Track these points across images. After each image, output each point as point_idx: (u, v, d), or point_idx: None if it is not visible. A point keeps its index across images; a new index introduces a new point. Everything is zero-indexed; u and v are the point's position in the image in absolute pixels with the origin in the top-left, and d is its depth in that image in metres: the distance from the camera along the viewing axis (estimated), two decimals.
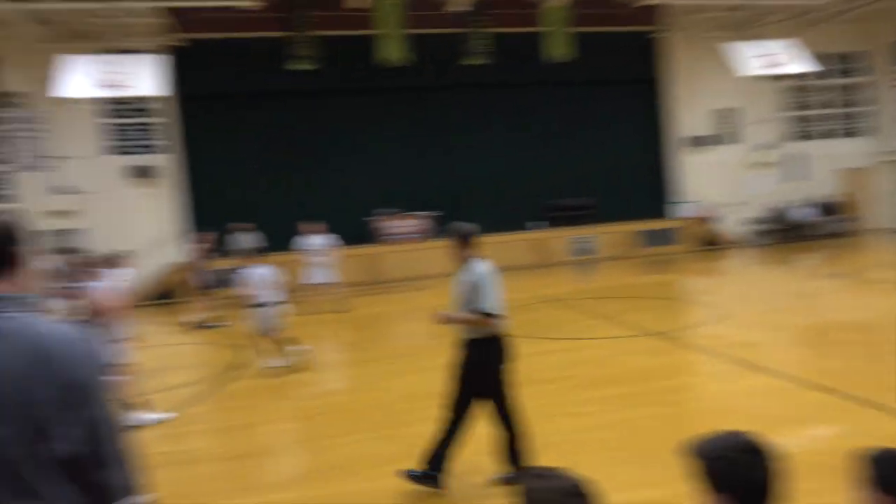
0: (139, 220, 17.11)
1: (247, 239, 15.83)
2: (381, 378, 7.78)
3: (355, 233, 18.69)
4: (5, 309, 1.75)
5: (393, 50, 16.74)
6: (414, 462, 4.49)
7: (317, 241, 12.98)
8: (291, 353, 8.41)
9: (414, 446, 4.65)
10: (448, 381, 4.56)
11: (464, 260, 4.50)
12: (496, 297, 4.41)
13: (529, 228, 19.38)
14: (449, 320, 4.52)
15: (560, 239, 19.18)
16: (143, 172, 17.27)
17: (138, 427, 6.14)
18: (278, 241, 16.39)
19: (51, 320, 1.82)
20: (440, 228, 18.59)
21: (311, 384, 7.91)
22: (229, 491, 4.90)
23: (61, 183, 16.94)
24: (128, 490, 1.82)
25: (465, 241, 4.51)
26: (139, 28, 16.39)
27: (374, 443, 5.55)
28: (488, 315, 4.35)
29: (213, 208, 18.24)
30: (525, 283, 15.55)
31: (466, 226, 4.57)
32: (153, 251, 16.59)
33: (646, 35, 20.42)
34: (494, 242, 18.99)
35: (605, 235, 19.45)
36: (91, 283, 6.50)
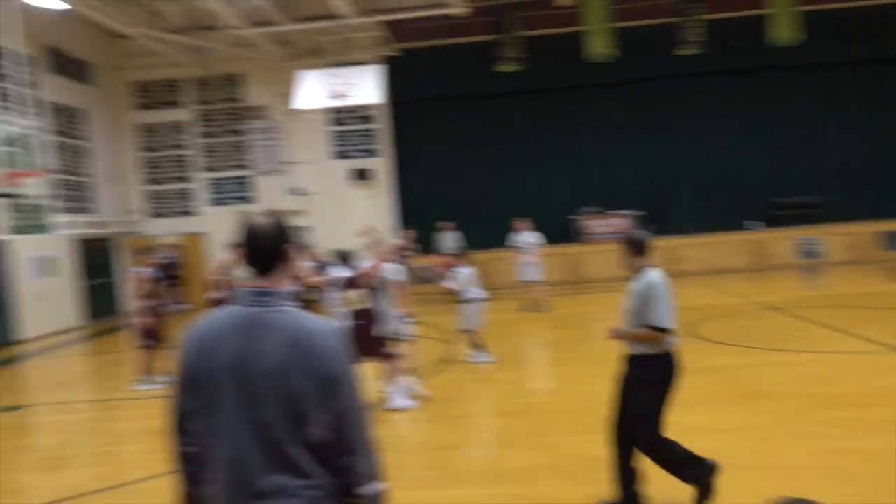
0: (357, 219, 18.53)
1: (450, 237, 16.52)
2: (585, 379, 7.70)
3: (558, 231, 18.67)
4: (274, 303, 1.98)
5: (600, 45, 16.45)
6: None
7: (528, 238, 13.11)
8: (486, 350, 8.74)
9: None
10: (612, 400, 4.31)
11: (636, 269, 4.17)
12: (668, 310, 4.03)
13: (748, 228, 17.99)
14: (622, 336, 4.18)
15: (782, 240, 17.57)
16: (361, 175, 18.70)
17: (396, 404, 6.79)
18: (483, 239, 16.91)
19: (309, 315, 2.01)
20: (645, 228, 17.96)
21: (516, 381, 8.05)
22: (433, 480, 5.14)
23: (294, 185, 18.92)
24: (372, 476, 1.97)
25: (637, 248, 4.17)
26: (360, 42, 17.78)
27: (582, 445, 5.51)
28: (660, 330, 4.00)
29: (423, 207, 19.29)
30: (740, 287, 14.48)
31: (639, 232, 4.29)
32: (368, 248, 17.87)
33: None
34: (705, 243, 18.06)
35: (836, 237, 17.45)
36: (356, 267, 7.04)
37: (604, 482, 4.37)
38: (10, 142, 11.85)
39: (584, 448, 5.38)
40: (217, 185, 19.27)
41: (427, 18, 16.69)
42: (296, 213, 18.66)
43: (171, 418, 2.02)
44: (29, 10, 12.74)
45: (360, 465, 1.93)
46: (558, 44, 18.24)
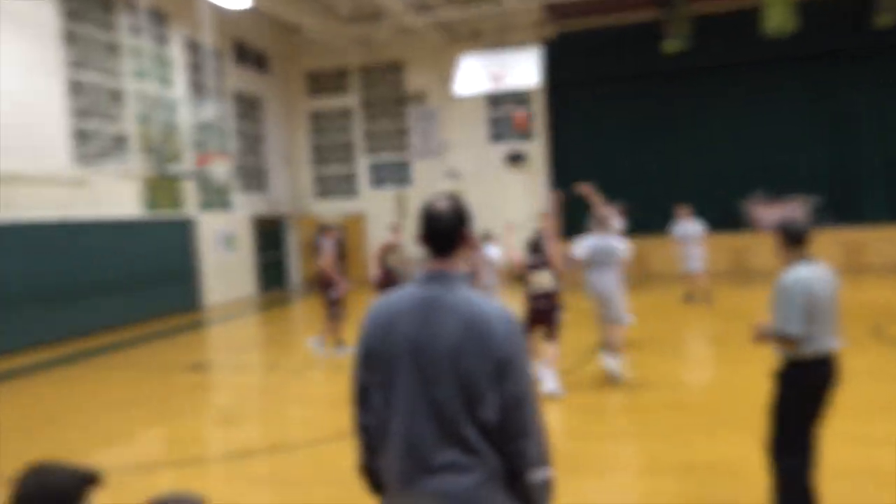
0: (512, 202, 18.57)
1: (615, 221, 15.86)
2: (753, 377, 7.16)
3: (723, 218, 17.59)
4: (450, 285, 2.00)
5: (780, 18, 15.10)
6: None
7: (690, 226, 12.45)
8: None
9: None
10: (767, 418, 3.83)
11: (787, 262, 3.64)
12: (794, 314, 3.47)
13: None
14: (762, 336, 3.69)
15: None
16: (516, 158, 18.65)
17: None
18: (641, 224, 16.27)
19: (484, 298, 2.02)
20: (824, 216, 16.42)
21: (680, 374, 7.67)
22: (581, 470, 5.01)
23: (450, 168, 19.29)
24: (541, 461, 1.95)
25: (792, 239, 3.62)
26: (519, 24, 17.67)
27: (730, 446, 5.13)
28: (785, 336, 3.50)
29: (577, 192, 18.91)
30: None
31: (798, 221, 3.71)
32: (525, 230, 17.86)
33: None
34: None
35: None
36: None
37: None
38: (202, 127, 13.07)
39: (732, 449, 5.01)
40: (377, 168, 20.09)
41: None
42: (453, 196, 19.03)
43: (352, 391, 2.13)
44: (218, 8, 13.92)
45: (528, 450, 1.93)
46: (726, 19, 17.01)
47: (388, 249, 11.44)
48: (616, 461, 5.20)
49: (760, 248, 16.19)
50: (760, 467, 4.11)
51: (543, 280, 6.86)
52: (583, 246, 7.37)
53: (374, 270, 12.43)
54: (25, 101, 11.49)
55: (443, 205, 2.07)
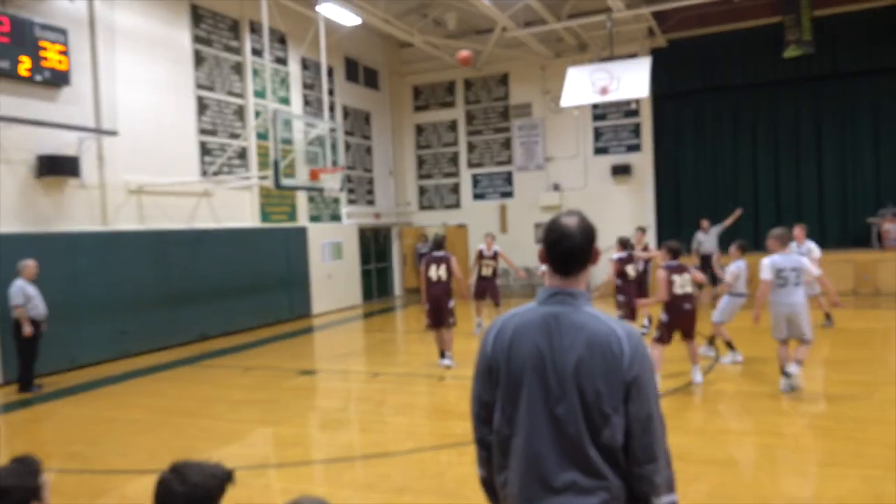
0: (617, 215, 18.16)
1: (711, 236, 15.37)
2: (885, 407, 6.65)
3: (850, 235, 16.52)
4: (575, 303, 1.99)
5: None
6: None
7: (808, 248, 10.95)
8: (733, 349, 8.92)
9: None
10: None
11: None
12: None
13: None
14: None
15: None
16: (622, 170, 18.26)
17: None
18: (752, 239, 15.49)
19: (609, 316, 1.99)
20: None
21: (791, 401, 7.23)
22: (695, 495, 4.82)
23: (553, 181, 19.14)
24: (666, 488, 1.90)
25: None
26: (626, 35, 17.34)
27: (880, 483, 4.77)
28: None
29: (686, 203, 18.30)
30: None
31: None
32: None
33: None
34: None
35: None
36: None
37: None
38: (313, 142, 13.68)
39: (872, 486, 4.66)
40: (479, 179, 20.24)
41: (697, 6, 15.67)
42: (552, 208, 18.88)
43: (472, 405, 2.14)
44: (330, 25, 14.56)
45: (655, 476, 1.88)
46: (847, 23, 15.96)
47: (479, 259, 11.75)
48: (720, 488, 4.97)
49: (886, 266, 15.00)
50: None
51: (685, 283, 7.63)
52: (767, 267, 7.37)
53: (471, 280, 12.56)
54: (161, 119, 12.47)
55: (572, 222, 2.01)
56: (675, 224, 18.41)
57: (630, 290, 10.40)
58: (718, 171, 18.17)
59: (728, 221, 15.61)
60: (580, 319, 1.95)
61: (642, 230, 13.01)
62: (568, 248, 1.98)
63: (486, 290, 12.20)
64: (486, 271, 12.20)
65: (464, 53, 11.35)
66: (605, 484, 1.86)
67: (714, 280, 13.58)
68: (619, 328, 1.93)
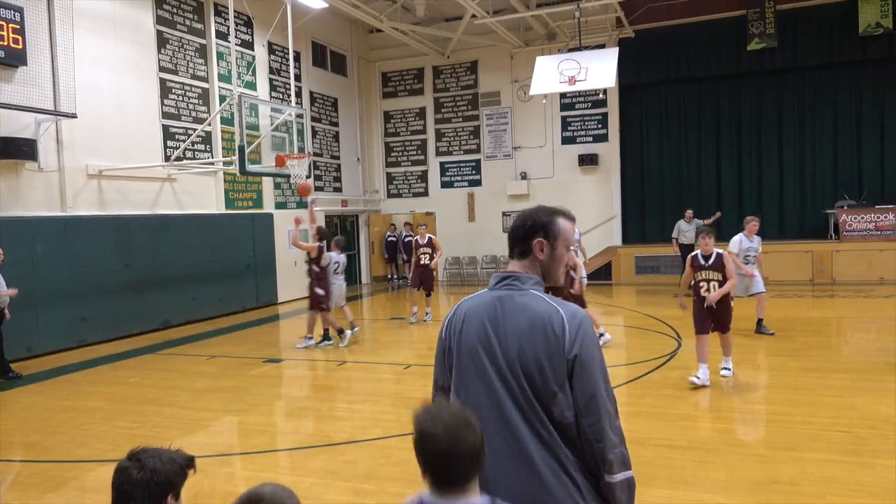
0: (583, 204, 18.34)
1: (691, 226, 15.20)
2: (832, 393, 6.87)
3: (808, 226, 16.93)
4: (522, 287, 2.07)
5: (874, 14, 14.39)
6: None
7: (753, 243, 10.17)
8: None
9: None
10: None
11: None
12: None
13: None
14: None
15: None
16: (589, 159, 18.42)
17: None
18: (716, 227, 15.77)
19: (558, 300, 2.05)
20: None
21: (747, 389, 7.42)
22: (655, 479, 4.92)
23: (521, 170, 19.23)
24: (623, 465, 1.95)
25: None
26: (595, 25, 17.44)
27: (832, 466, 4.93)
28: None
29: (649, 193, 18.56)
30: None
31: None
32: (594, 233, 17.67)
33: None
34: None
35: None
36: None
37: None
38: (279, 127, 13.50)
39: (828, 469, 4.82)
40: (448, 167, 20.23)
41: None
42: (519, 196, 18.98)
43: (432, 391, 2.22)
44: (297, 8, 14.34)
45: (606, 453, 1.92)
46: (809, 17, 16.32)
47: (416, 248, 12.31)
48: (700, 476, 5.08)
49: (843, 256, 15.44)
50: None
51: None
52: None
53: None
54: (122, 102, 12.18)
55: (520, 213, 2.21)
56: (639, 214, 18.69)
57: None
58: (682, 162, 18.45)
59: (708, 221, 15.33)
60: (524, 301, 2.02)
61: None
62: (512, 233, 2.18)
63: (423, 278, 12.57)
64: (424, 259, 12.59)
65: (302, 183, 11.51)
66: (555, 460, 1.91)
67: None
68: (562, 308, 1.99)
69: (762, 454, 5.35)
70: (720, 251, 7.39)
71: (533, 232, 2.12)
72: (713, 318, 7.35)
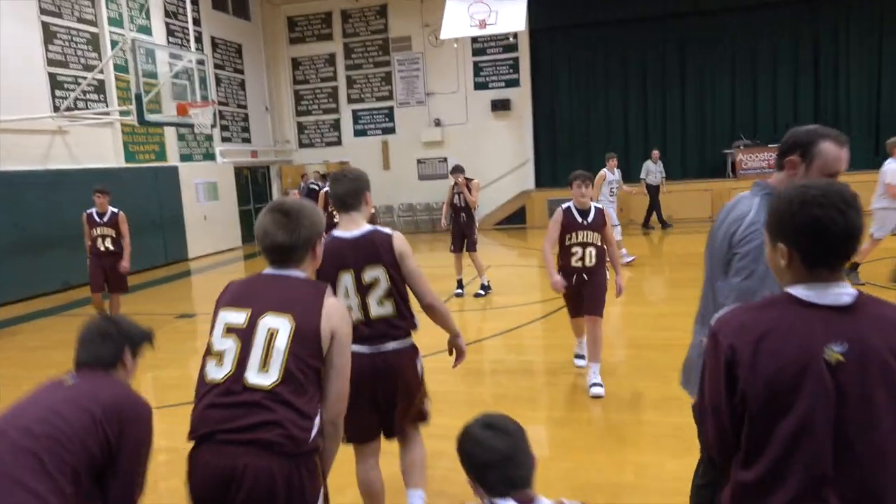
0: (496, 150, 18.51)
1: (658, 166, 14.85)
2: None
3: (708, 166, 17.70)
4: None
5: None
6: None
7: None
8: None
9: None
10: None
11: None
12: None
13: None
14: None
15: None
16: (501, 105, 18.50)
17: None
18: (625, 171, 16.27)
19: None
20: None
21: (637, 316, 7.83)
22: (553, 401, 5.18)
23: (435, 116, 19.11)
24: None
25: None
26: None
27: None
28: None
29: (562, 138, 18.89)
30: None
31: None
32: (507, 179, 17.92)
33: None
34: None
35: None
36: None
37: None
38: (179, 75, 12.82)
39: None
40: (360, 115, 19.86)
41: None
42: (434, 143, 18.92)
43: None
44: None
45: None
46: None
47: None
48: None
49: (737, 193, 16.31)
50: None
51: None
52: None
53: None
54: (1, 49, 11.21)
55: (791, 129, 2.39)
56: (551, 158, 19.04)
57: None
58: (591, 106, 18.82)
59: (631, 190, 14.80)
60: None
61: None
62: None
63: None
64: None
65: None
66: None
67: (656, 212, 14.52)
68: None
69: (665, 374, 5.70)
70: (598, 205, 5.46)
71: (790, 149, 2.20)
72: (581, 295, 5.33)
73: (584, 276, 5.27)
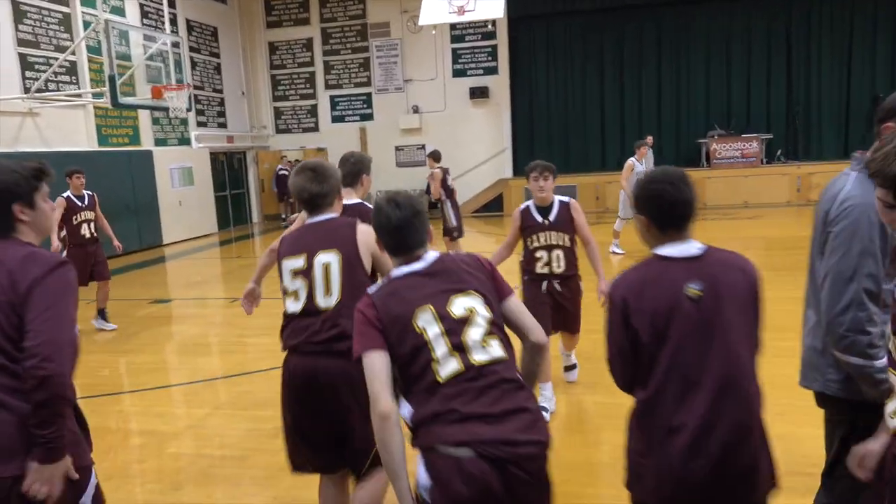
0: (474, 137, 18.53)
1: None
2: None
3: (683, 155, 17.90)
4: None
5: None
6: None
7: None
8: None
9: None
10: None
11: None
12: None
13: None
14: None
15: None
16: (479, 92, 18.51)
17: None
18: (598, 161, 16.45)
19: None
20: (780, 153, 16.92)
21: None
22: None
23: (413, 103, 19.07)
24: None
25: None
26: None
27: None
28: None
29: (539, 126, 18.98)
30: None
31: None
32: (485, 166, 17.97)
33: None
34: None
35: None
36: None
37: None
38: (154, 57, 12.66)
39: None
40: (338, 101, 19.75)
41: None
42: (412, 130, 18.90)
43: None
44: None
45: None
46: None
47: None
48: None
49: (714, 183, 16.55)
50: None
51: None
52: None
53: None
54: None
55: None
56: (529, 146, 19.11)
57: None
58: (569, 95, 18.92)
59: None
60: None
61: None
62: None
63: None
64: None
65: None
66: None
67: None
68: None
69: None
70: (564, 199, 4.64)
71: (886, 115, 2.13)
72: (556, 310, 4.60)
73: (556, 283, 4.54)
